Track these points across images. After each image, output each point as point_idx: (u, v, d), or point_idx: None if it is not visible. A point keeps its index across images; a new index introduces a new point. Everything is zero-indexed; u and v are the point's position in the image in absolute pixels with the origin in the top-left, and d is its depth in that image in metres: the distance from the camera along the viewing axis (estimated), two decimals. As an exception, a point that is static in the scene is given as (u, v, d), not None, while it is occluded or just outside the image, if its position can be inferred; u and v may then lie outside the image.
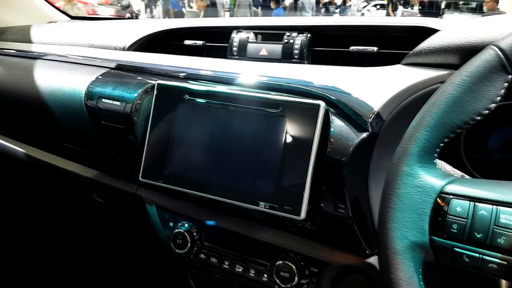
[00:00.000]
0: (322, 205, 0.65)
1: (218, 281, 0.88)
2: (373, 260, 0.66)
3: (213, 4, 8.65)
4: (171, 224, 0.83)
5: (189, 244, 0.79)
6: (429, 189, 0.45)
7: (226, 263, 0.79)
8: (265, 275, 0.76)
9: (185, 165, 0.73)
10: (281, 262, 0.72)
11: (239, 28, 0.83)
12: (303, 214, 0.63)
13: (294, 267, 0.71)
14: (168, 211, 0.84)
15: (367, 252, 0.66)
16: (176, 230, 0.80)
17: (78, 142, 0.91)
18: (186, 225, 0.81)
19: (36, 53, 1.02)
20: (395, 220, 0.45)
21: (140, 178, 0.76)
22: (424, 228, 0.45)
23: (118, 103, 0.80)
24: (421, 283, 0.45)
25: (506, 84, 0.45)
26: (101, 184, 0.93)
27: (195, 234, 0.80)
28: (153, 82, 0.77)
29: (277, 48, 0.75)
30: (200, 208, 0.80)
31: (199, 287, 0.91)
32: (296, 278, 0.70)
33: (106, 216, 1.03)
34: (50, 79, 0.92)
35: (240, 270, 0.78)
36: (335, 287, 0.70)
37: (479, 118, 0.46)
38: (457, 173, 0.56)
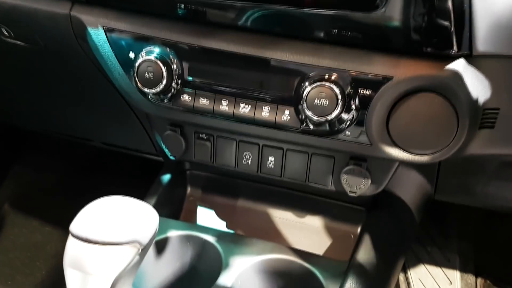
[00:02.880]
0: None
1: (205, 143, 0.62)
2: (458, 66, 0.44)
3: None
4: (132, 54, 0.54)
5: (164, 79, 0.51)
6: None
7: (224, 103, 0.53)
8: (287, 112, 0.51)
9: None
10: (314, 85, 0.47)
11: None
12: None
13: (336, 89, 0.47)
14: (125, 33, 0.54)
15: (451, 52, 0.44)
16: (142, 60, 0.52)
17: None
18: (157, 50, 0.52)
19: None
20: None
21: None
22: None
23: None
24: None
25: None
26: (11, 9, 0.58)
27: (172, 63, 0.52)
28: None
29: None
30: (177, 23, 0.52)
31: (176, 154, 0.64)
32: (338, 107, 0.47)
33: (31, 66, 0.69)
34: None
35: (246, 110, 0.52)
36: (393, 115, 0.47)
37: None
38: None
